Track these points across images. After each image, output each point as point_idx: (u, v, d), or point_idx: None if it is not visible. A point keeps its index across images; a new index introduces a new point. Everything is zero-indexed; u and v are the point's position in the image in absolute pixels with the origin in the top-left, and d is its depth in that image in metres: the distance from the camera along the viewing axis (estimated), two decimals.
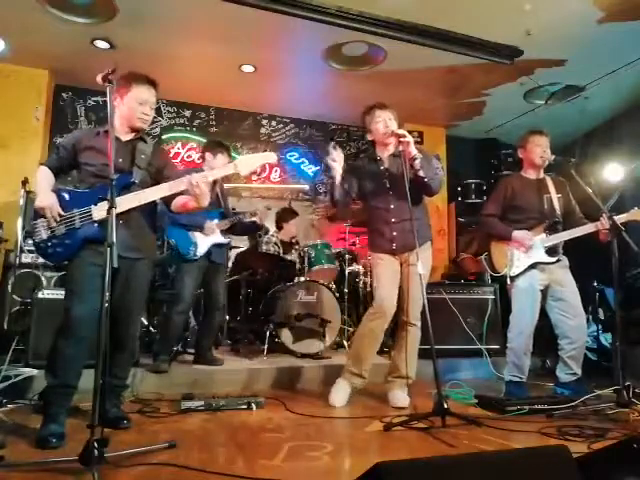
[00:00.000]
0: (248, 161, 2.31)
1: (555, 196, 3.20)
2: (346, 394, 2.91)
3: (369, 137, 3.07)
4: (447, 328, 4.11)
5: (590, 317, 4.37)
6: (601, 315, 4.27)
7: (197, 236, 3.50)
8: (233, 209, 4.10)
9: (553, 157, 3.17)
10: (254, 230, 4.11)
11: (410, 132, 6.65)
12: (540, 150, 3.20)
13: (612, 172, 4.42)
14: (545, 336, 3.41)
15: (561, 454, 1.32)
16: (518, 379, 3.13)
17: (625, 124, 5.58)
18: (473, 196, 5.95)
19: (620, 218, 2.96)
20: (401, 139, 2.78)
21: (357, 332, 3.06)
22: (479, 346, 3.99)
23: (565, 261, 3.22)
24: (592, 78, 4.98)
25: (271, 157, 2.40)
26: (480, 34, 4.30)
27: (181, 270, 3.50)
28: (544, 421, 2.51)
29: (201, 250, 3.48)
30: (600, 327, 4.24)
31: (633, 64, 4.66)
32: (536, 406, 2.70)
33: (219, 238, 3.59)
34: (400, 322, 2.97)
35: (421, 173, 2.83)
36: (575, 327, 3.10)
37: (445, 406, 2.37)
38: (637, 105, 5.42)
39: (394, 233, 2.93)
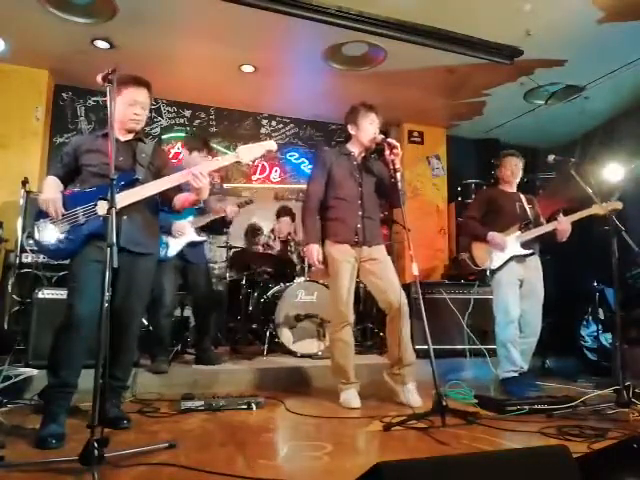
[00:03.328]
0: (249, 150, 2.32)
1: (526, 205, 3.56)
2: (357, 396, 2.90)
3: (352, 130, 3.06)
4: (447, 328, 4.11)
5: (590, 317, 4.38)
6: (601, 315, 4.27)
7: (168, 238, 3.43)
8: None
9: (553, 157, 3.20)
10: (221, 227, 3.83)
11: (410, 132, 6.69)
12: (510, 170, 3.58)
13: (612, 172, 4.42)
14: (545, 336, 3.42)
15: (561, 454, 1.32)
16: (513, 373, 3.22)
17: (625, 124, 5.58)
18: (473, 196, 5.94)
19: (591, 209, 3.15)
20: (393, 150, 2.85)
21: (330, 347, 3.08)
22: (479, 346, 3.99)
23: (539, 265, 3.44)
24: (592, 78, 4.98)
25: (271, 145, 2.39)
26: (480, 34, 4.30)
27: (156, 273, 3.44)
28: (544, 421, 2.51)
29: (172, 251, 3.43)
30: (600, 327, 4.24)
31: (633, 64, 4.66)
32: (536, 406, 2.69)
33: (193, 237, 3.51)
34: (391, 312, 2.92)
35: (399, 185, 2.89)
36: (531, 324, 3.33)
37: (444, 404, 2.38)
38: (637, 105, 5.42)
39: (359, 225, 2.95)
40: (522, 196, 3.61)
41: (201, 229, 3.61)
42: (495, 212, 3.50)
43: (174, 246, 3.45)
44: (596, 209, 3.10)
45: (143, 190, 2.26)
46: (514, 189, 3.62)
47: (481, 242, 3.44)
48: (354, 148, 3.08)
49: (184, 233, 3.47)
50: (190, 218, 3.52)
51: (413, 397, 2.84)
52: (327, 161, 3.03)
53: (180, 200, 2.43)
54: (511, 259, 3.34)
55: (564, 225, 3.27)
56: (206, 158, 3.58)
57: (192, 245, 3.53)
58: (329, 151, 3.17)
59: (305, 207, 3.04)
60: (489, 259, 3.37)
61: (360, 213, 2.97)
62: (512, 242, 3.36)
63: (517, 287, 3.34)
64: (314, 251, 2.94)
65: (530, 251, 3.39)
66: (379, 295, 2.98)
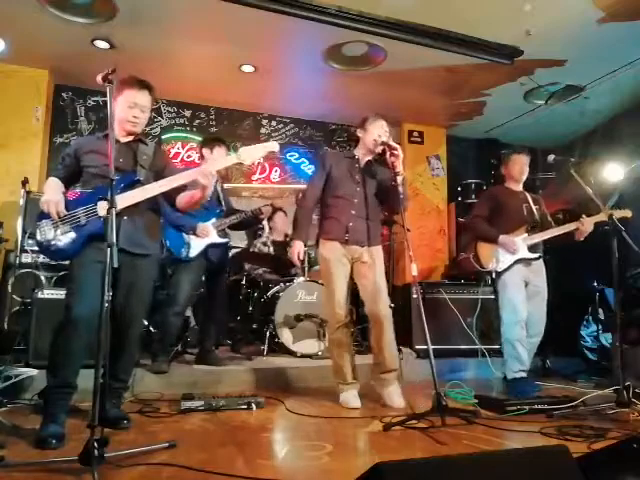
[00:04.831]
0: (251, 151, 2.32)
1: (533, 206, 3.49)
2: (356, 396, 2.91)
3: (359, 133, 3.11)
4: (447, 328, 4.11)
5: (590, 317, 4.38)
6: (601, 315, 4.27)
7: (191, 237, 3.47)
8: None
9: (553, 157, 3.21)
10: (254, 223, 4.01)
11: (410, 132, 6.68)
12: (519, 168, 3.52)
13: (612, 172, 4.42)
14: (545, 336, 3.42)
15: (561, 454, 1.32)
16: (522, 374, 3.17)
17: (625, 124, 5.57)
18: (473, 196, 5.94)
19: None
20: (393, 152, 2.87)
21: (329, 348, 3.12)
22: (479, 346, 3.99)
23: (543, 266, 3.43)
24: (592, 78, 4.98)
25: (273, 146, 2.40)
26: (480, 34, 4.30)
27: (177, 271, 3.49)
28: (544, 421, 2.51)
29: (194, 251, 3.46)
30: (600, 327, 4.24)
31: (633, 64, 4.66)
32: (536, 406, 2.70)
33: (215, 238, 3.55)
34: (373, 319, 2.94)
35: (400, 189, 2.91)
36: (536, 324, 3.31)
37: (444, 404, 2.38)
38: (637, 105, 5.42)
39: (350, 224, 2.97)
40: (528, 196, 3.56)
41: (232, 227, 3.73)
42: (501, 212, 3.45)
43: (196, 247, 3.47)
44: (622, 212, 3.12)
45: (147, 190, 2.26)
46: (520, 187, 3.57)
47: (487, 242, 3.40)
48: (360, 151, 3.11)
49: (208, 234, 3.50)
50: (213, 220, 3.55)
51: (395, 399, 2.86)
52: (327, 163, 3.07)
53: (184, 199, 2.42)
54: (517, 261, 3.32)
55: (587, 226, 3.22)
56: (225, 155, 3.62)
57: (215, 246, 3.56)
58: (330, 153, 3.20)
59: (299, 206, 3.11)
60: (495, 260, 3.33)
61: (354, 212, 2.98)
62: (519, 244, 3.32)
63: (523, 287, 3.32)
64: (297, 248, 3.00)
65: (538, 255, 3.37)
66: (365, 299, 3.00)
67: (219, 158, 3.50)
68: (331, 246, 2.97)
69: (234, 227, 3.89)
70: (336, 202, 3.01)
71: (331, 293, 2.94)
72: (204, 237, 3.49)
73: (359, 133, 3.11)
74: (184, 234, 3.47)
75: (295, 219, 3.11)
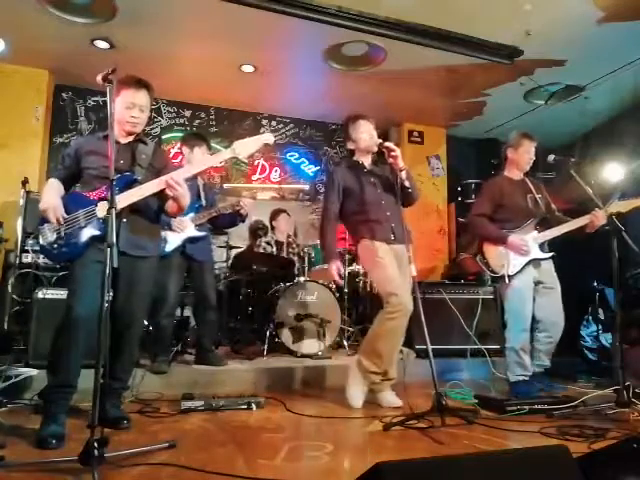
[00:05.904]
0: (245, 144, 2.28)
1: (537, 196, 3.30)
2: (364, 394, 2.88)
3: (350, 146, 3.11)
4: (447, 328, 4.10)
5: (590, 317, 4.37)
6: (601, 315, 4.27)
7: (167, 232, 3.41)
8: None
9: (553, 157, 3.17)
10: (237, 222, 3.81)
11: (410, 132, 6.69)
12: (528, 157, 3.31)
13: (612, 172, 4.42)
14: None
15: (561, 454, 1.32)
16: (524, 377, 3.13)
17: (625, 124, 5.57)
18: (473, 196, 5.94)
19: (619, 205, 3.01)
20: (391, 153, 2.87)
21: (374, 332, 2.87)
22: (479, 346, 3.99)
23: (552, 264, 3.27)
24: (592, 78, 4.99)
25: (268, 138, 2.36)
26: (480, 34, 4.31)
27: (159, 272, 3.44)
28: (544, 421, 2.50)
29: (171, 246, 3.41)
30: (600, 327, 4.24)
31: (633, 64, 4.67)
32: (536, 406, 2.69)
33: (192, 232, 3.49)
34: None
35: (406, 184, 2.93)
36: (555, 324, 3.15)
37: (444, 404, 2.39)
38: (637, 105, 5.42)
39: (393, 224, 2.95)
40: (530, 183, 3.34)
41: (218, 225, 3.61)
42: (505, 206, 3.24)
43: (173, 241, 3.43)
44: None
45: (135, 192, 2.23)
46: (521, 176, 3.35)
47: (494, 244, 3.22)
48: (361, 157, 3.10)
49: (184, 229, 3.46)
50: (191, 215, 3.52)
51: (391, 398, 2.87)
52: (338, 180, 3.05)
53: (170, 206, 2.39)
54: (529, 263, 3.14)
55: (601, 218, 2.99)
56: (207, 153, 3.60)
57: (194, 241, 3.51)
58: (337, 169, 3.16)
59: (322, 226, 3.10)
60: (505, 263, 3.13)
61: (389, 214, 2.96)
62: (531, 244, 3.14)
63: (532, 291, 3.15)
64: (335, 268, 2.97)
65: (551, 254, 3.19)
66: None
67: (195, 161, 3.45)
68: (378, 244, 2.92)
69: (220, 225, 3.80)
70: (367, 208, 2.97)
71: (384, 275, 2.84)
72: (180, 232, 3.44)
73: (350, 146, 3.10)
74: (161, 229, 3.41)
75: (322, 238, 3.09)
